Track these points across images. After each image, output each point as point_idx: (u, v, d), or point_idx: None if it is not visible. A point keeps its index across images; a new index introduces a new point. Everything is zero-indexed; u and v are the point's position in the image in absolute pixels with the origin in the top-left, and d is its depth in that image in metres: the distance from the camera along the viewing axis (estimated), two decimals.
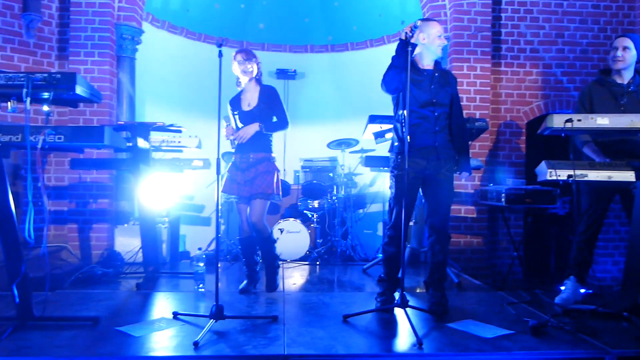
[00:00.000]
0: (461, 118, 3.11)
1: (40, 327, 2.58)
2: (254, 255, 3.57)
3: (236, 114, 3.51)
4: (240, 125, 3.46)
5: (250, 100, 3.49)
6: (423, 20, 3.10)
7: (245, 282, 3.53)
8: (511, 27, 4.91)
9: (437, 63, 3.06)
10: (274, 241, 3.62)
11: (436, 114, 2.98)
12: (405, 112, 2.86)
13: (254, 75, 3.50)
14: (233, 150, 3.54)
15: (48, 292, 2.65)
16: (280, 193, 3.49)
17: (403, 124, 2.87)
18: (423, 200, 3.15)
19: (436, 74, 3.01)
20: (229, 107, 3.58)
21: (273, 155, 3.54)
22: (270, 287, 3.52)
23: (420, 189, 3.09)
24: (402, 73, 2.81)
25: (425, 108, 2.97)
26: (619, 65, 3.19)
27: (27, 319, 2.58)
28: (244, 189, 3.41)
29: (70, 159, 4.23)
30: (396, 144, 3.06)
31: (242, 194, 3.42)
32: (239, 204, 3.49)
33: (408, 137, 2.77)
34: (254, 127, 3.40)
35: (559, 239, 4.91)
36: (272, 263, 3.57)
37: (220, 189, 3.33)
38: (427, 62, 3.03)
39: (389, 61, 2.88)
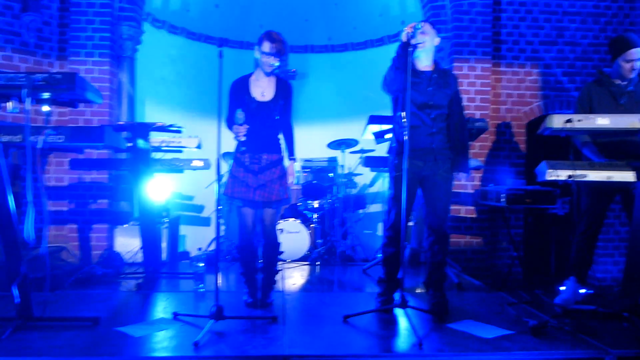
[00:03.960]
0: (460, 118, 3.09)
1: (40, 327, 2.58)
2: (255, 263, 3.25)
3: (246, 101, 3.08)
4: (242, 116, 2.94)
5: (265, 89, 3.10)
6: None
7: (247, 295, 3.22)
8: (511, 27, 4.90)
9: (436, 63, 3.06)
10: (279, 248, 3.34)
11: (432, 116, 2.98)
12: (403, 114, 2.87)
13: (274, 68, 3.09)
14: (235, 151, 3.15)
15: (48, 292, 2.66)
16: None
17: (402, 126, 2.87)
18: (423, 201, 3.15)
19: (434, 75, 3.00)
20: (230, 91, 3.14)
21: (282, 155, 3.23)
22: (265, 298, 3.19)
23: (419, 190, 3.09)
24: (402, 74, 2.81)
25: (422, 110, 2.97)
26: (633, 75, 3.18)
27: (27, 319, 2.58)
28: (255, 193, 3.06)
29: (70, 159, 4.23)
30: (394, 145, 3.06)
31: (253, 198, 3.06)
32: (243, 207, 3.12)
33: (406, 137, 2.76)
34: (294, 167, 3.23)
35: (559, 239, 4.90)
36: (274, 272, 3.26)
37: (222, 191, 3.13)
38: (425, 64, 3.01)
39: (389, 62, 2.88)
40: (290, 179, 3.21)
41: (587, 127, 2.75)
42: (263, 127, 3.10)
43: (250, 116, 2.99)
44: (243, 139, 2.96)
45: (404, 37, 2.74)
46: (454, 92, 3.06)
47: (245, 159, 3.09)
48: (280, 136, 3.24)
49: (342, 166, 5.38)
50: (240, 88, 3.11)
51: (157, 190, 3.94)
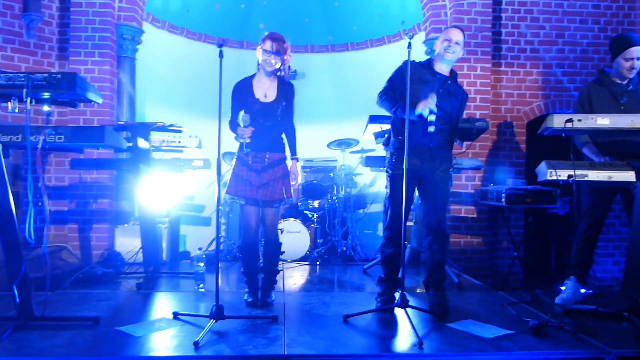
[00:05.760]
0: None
1: (40, 327, 2.58)
2: (256, 263, 3.27)
3: (250, 102, 3.10)
4: (247, 119, 2.95)
5: (267, 90, 3.13)
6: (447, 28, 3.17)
7: (247, 294, 3.20)
8: (511, 27, 4.91)
9: (453, 73, 3.10)
10: (280, 247, 3.34)
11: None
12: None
13: (275, 69, 3.12)
14: (238, 151, 3.16)
15: (48, 292, 2.65)
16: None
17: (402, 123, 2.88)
18: (420, 200, 3.15)
19: (449, 82, 3.04)
20: (233, 92, 3.15)
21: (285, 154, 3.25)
22: (265, 297, 3.19)
23: (416, 189, 3.09)
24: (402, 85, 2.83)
25: None
26: (632, 74, 3.18)
27: (27, 319, 2.58)
28: (257, 192, 3.08)
29: (71, 159, 4.23)
30: (392, 138, 3.07)
31: (255, 197, 3.09)
32: (245, 206, 3.13)
33: (407, 138, 2.76)
34: (297, 166, 3.24)
35: (559, 239, 4.90)
36: (274, 271, 3.26)
37: (224, 190, 3.13)
38: (442, 68, 3.06)
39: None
40: (294, 178, 3.22)
41: (587, 127, 2.75)
42: (266, 128, 3.12)
43: (253, 117, 3.03)
44: (248, 140, 2.99)
45: (422, 111, 2.79)
46: (460, 106, 3.10)
47: (248, 158, 3.11)
48: (283, 136, 3.25)
49: (343, 166, 5.38)
50: (243, 89, 3.14)
51: (157, 190, 3.94)
